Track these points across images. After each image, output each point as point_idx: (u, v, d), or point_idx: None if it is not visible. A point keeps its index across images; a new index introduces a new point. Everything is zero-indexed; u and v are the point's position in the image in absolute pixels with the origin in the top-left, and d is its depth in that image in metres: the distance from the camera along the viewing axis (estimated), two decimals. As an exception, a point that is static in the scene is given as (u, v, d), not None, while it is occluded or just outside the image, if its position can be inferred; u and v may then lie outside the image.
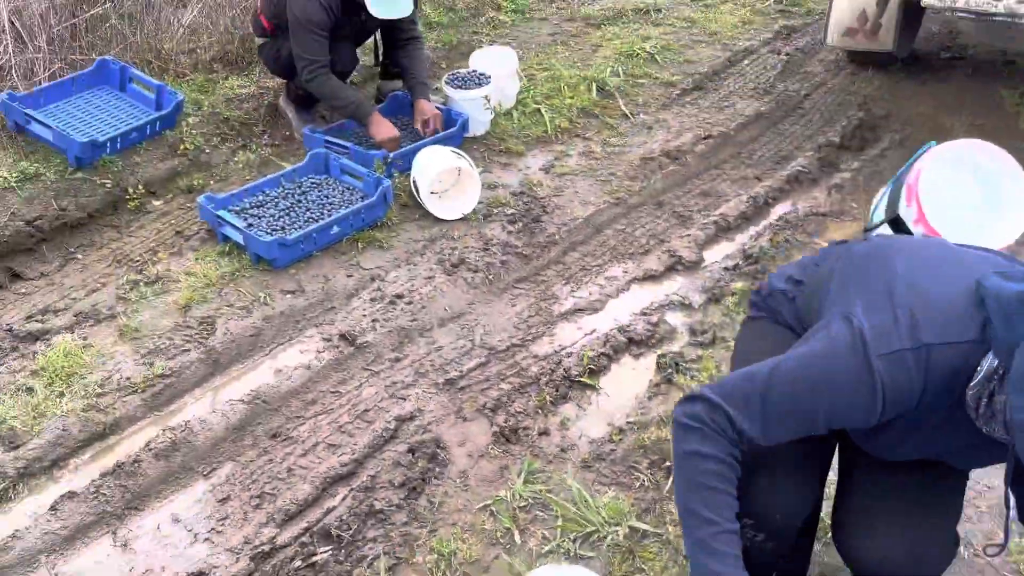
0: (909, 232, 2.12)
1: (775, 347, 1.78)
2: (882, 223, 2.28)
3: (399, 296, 3.27)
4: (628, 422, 2.78)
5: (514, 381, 2.91)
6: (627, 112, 4.50)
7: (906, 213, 2.15)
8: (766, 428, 1.62)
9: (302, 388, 2.91)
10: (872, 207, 2.38)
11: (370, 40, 4.49)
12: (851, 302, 1.63)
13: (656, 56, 4.99)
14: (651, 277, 3.41)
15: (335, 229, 3.50)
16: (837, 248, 1.93)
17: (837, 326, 1.60)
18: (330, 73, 3.91)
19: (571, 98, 4.55)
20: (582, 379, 2.92)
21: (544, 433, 2.74)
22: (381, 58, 4.53)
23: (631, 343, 3.08)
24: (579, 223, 3.69)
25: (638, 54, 4.99)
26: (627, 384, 2.93)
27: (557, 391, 2.87)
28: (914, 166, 2.28)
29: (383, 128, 3.93)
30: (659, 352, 3.03)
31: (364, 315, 3.19)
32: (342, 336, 3.09)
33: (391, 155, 3.84)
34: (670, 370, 2.93)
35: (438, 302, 3.25)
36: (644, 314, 3.21)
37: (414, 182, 3.73)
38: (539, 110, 4.44)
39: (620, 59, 4.93)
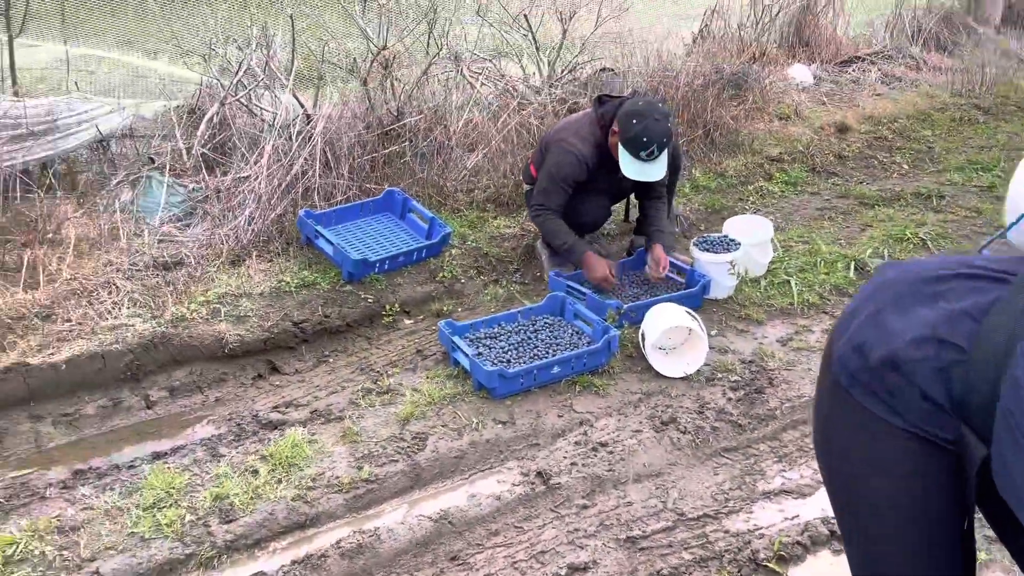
0: None
1: (938, 497, 1.49)
2: None
3: (603, 444, 3.29)
4: (810, 621, 2.57)
5: (697, 552, 2.80)
6: (884, 295, 4.28)
7: None
8: None
9: (489, 517, 2.98)
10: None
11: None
12: None
13: (928, 242, 4.75)
14: (873, 471, 3.17)
15: (556, 369, 3.61)
16: (1016, 297, 1.39)
17: None
18: (554, 215, 4.12)
19: (826, 274, 4.43)
20: (769, 564, 2.75)
21: (716, 613, 2.60)
22: (636, 215, 4.68)
23: (833, 536, 2.86)
24: (805, 401, 3.53)
25: (909, 239, 4.77)
26: (819, 580, 2.72)
27: (739, 572, 2.72)
28: None
29: (596, 267, 4.05)
30: (863, 553, 2.79)
31: (564, 456, 3.23)
32: (539, 473, 3.15)
33: (625, 307, 3.92)
34: (869, 574, 2.68)
35: (639, 457, 3.23)
36: (855, 509, 2.97)
37: (642, 335, 3.77)
38: (789, 282, 4.35)
39: (888, 241, 4.75)
